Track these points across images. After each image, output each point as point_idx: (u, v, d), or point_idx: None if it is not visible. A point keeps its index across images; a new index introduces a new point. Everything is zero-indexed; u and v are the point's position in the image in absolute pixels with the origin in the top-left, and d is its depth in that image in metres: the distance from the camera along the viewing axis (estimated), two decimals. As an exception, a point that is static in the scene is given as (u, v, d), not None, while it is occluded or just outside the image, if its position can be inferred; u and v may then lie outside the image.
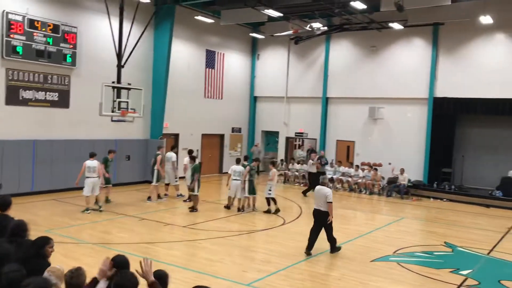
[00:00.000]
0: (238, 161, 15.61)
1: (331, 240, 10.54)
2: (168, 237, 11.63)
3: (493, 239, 12.79)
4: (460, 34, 20.17)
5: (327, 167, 21.52)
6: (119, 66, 16.28)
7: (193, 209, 14.55)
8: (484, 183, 20.17)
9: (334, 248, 10.57)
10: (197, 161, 15.74)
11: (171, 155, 16.76)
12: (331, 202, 10.34)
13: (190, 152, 16.56)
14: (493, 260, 10.83)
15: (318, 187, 10.76)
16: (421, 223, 15.49)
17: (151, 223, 12.92)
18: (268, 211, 15.01)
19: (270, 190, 15.15)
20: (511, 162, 19.31)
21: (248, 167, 15.21)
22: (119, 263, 4.51)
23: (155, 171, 15.87)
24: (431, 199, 19.44)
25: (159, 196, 16.20)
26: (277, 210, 15.09)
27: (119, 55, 16.35)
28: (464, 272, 9.55)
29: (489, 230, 14.00)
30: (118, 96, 15.41)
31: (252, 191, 15.25)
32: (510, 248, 11.78)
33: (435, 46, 20.81)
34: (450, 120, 20.98)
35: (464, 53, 20.26)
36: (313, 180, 18.84)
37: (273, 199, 15.21)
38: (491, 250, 11.56)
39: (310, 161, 21.86)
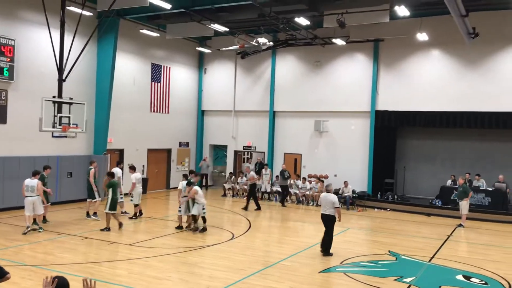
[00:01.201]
0: (186, 177, 15.31)
1: (329, 243, 11.79)
2: (113, 256, 11.27)
3: (434, 246, 13.30)
4: (399, 50, 21.09)
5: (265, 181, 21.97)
6: (60, 80, 15.74)
7: (104, 228, 13.76)
8: (424, 192, 21.04)
9: (328, 252, 11.70)
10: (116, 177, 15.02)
11: (117, 170, 16.32)
12: (339, 207, 11.78)
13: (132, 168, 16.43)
14: (434, 266, 11.25)
15: (324, 194, 12.13)
16: (366, 233, 15.88)
17: (95, 241, 12.48)
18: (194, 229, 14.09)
19: (204, 208, 14.08)
20: (449, 172, 20.28)
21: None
22: (59, 285, 4.30)
23: (93, 187, 15.52)
24: (376, 209, 20.02)
25: (93, 214, 15.66)
26: (198, 229, 14.00)
27: (60, 69, 15.82)
28: (408, 280, 9.85)
29: (430, 238, 14.56)
30: (59, 111, 14.89)
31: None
32: (449, 255, 12.29)
33: (376, 61, 21.62)
34: (391, 132, 21.83)
35: (403, 68, 21.17)
36: (249, 192, 19.18)
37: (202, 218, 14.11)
38: (432, 257, 12.01)
39: (263, 172, 22.13)
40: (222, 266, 10.51)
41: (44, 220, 14.26)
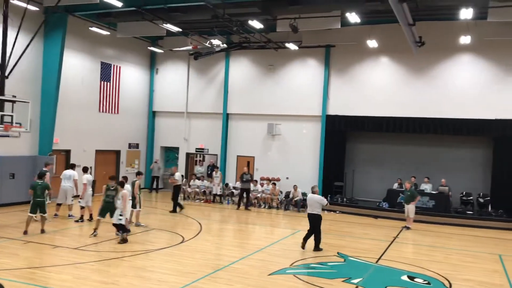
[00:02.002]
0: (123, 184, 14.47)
1: (318, 240, 12.81)
2: (58, 260, 10.82)
3: (381, 248, 13.66)
4: (349, 56, 21.59)
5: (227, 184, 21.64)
6: (3, 77, 15.07)
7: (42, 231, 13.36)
8: (372, 195, 21.60)
9: (318, 248, 12.75)
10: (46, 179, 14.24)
11: (72, 173, 15.77)
12: (328, 203, 13.34)
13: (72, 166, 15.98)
14: (381, 268, 11.54)
15: (310, 195, 13.27)
16: (316, 235, 16.06)
17: (38, 246, 11.96)
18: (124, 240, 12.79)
19: (120, 215, 12.74)
20: (395, 175, 20.93)
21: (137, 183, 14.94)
22: None
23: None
24: (325, 211, 20.31)
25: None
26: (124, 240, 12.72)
27: (3, 65, 15.13)
28: (355, 281, 10.04)
29: (377, 240, 14.95)
30: (1, 109, 14.23)
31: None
32: (395, 256, 12.66)
33: (327, 67, 22.03)
34: (341, 136, 22.29)
35: (353, 74, 21.69)
36: (173, 194, 18.51)
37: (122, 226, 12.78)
38: (379, 259, 12.32)
39: (214, 175, 21.95)
40: (171, 269, 10.33)
41: None
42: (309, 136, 22.59)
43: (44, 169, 15.34)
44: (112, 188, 13.19)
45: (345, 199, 20.97)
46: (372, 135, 22.26)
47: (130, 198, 14.29)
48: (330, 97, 22.02)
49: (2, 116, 14.16)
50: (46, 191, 13.43)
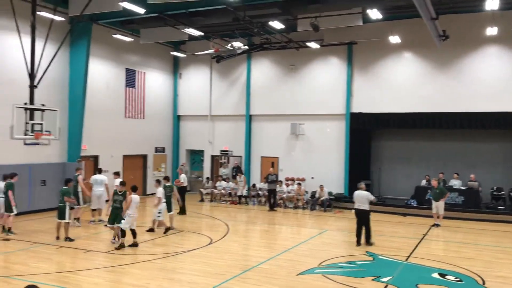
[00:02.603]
0: (159, 182, 15.17)
1: (369, 234, 13.42)
2: (90, 264, 11.06)
3: (410, 245, 13.50)
4: (372, 52, 21.39)
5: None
6: (32, 86, 15.45)
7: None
8: (400, 193, 21.34)
9: (370, 242, 13.34)
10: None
11: (103, 177, 16.08)
12: (374, 199, 13.77)
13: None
14: (411, 265, 11.41)
15: (357, 191, 13.76)
16: (344, 234, 16.00)
17: (70, 250, 12.24)
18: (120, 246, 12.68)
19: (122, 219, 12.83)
20: (423, 172, 20.63)
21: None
22: None
23: (79, 193, 15.29)
24: (353, 210, 20.11)
25: (78, 220, 15.43)
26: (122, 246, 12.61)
27: (32, 75, 15.53)
28: (385, 279, 9.96)
29: (406, 237, 14.78)
30: (31, 118, 14.61)
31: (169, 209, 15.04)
32: (425, 253, 12.50)
33: (350, 64, 21.88)
34: (366, 134, 22.09)
35: (376, 71, 21.48)
36: (180, 195, 17.66)
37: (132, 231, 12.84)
38: (408, 256, 12.18)
39: (238, 179, 22.10)
40: (201, 271, 10.44)
41: (3, 229, 13.80)
42: (333, 134, 22.47)
43: (75, 174, 15.68)
44: (119, 193, 13.14)
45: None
46: (398, 131, 22.00)
47: (164, 200, 14.67)
48: (353, 95, 21.86)
49: (33, 124, 14.52)
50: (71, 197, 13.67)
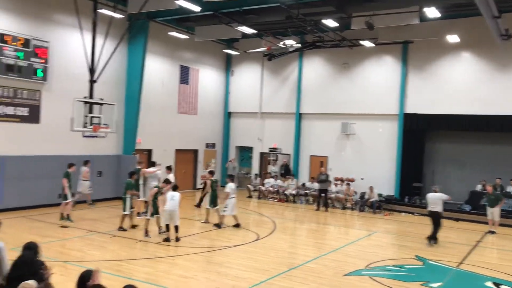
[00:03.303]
0: (231, 178, 15.85)
1: (436, 232, 13.88)
2: (141, 254, 11.48)
3: (462, 252, 13.07)
4: (428, 52, 20.79)
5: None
6: (92, 81, 16.16)
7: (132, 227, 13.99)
8: (453, 197, 20.47)
9: (434, 238, 13.80)
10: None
11: (157, 171, 16.55)
12: (448, 197, 14.11)
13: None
14: (462, 272, 11.06)
15: (431, 194, 14.17)
16: (393, 237, 15.71)
17: (123, 239, 12.73)
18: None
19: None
20: (478, 176, 19.84)
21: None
22: (86, 279, 4.54)
23: (141, 186, 15.69)
24: (403, 213, 19.77)
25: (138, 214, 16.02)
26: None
27: (92, 70, 16.24)
28: (434, 285, 9.72)
29: (458, 243, 14.31)
30: (90, 111, 15.28)
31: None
32: (478, 261, 12.05)
33: (404, 64, 21.37)
34: (420, 135, 21.50)
35: (432, 71, 20.86)
36: (202, 188, 18.34)
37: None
38: (460, 263, 11.80)
39: (289, 182, 22.10)
40: (247, 266, 10.58)
41: (63, 217, 14.61)
42: (385, 135, 22.04)
43: (138, 167, 16.22)
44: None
45: (423, 201, 20.21)
46: (453, 134, 21.27)
47: (233, 196, 15.12)
48: (407, 95, 21.34)
49: (91, 118, 15.20)
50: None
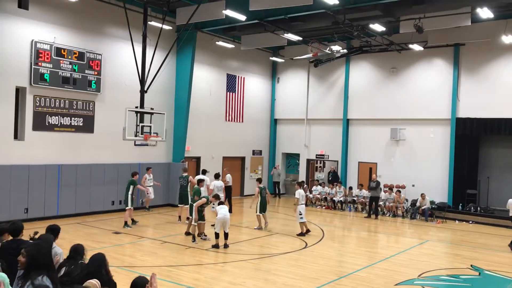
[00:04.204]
0: (301, 184, 16.02)
1: None
2: (191, 260, 11.66)
3: (522, 262, 12.46)
4: (481, 54, 20.05)
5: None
6: (142, 91, 16.61)
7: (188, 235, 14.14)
8: (511, 204, 19.66)
9: None
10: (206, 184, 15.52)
11: (206, 179, 16.72)
12: None
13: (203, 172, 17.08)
14: (522, 284, 10.53)
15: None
16: (446, 246, 15.18)
17: (173, 246, 12.98)
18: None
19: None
20: (538, 183, 18.87)
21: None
22: (138, 285, 4.66)
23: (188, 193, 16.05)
24: (456, 221, 19.08)
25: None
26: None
27: (142, 81, 16.70)
28: (492, 297, 9.31)
29: (518, 253, 13.64)
30: (141, 120, 15.70)
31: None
32: (540, 272, 11.44)
33: (456, 67, 20.70)
34: (473, 140, 20.69)
35: (486, 73, 20.08)
36: (226, 194, 17.85)
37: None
38: (520, 274, 11.25)
39: (337, 189, 21.84)
40: (296, 274, 10.52)
41: (134, 222, 15.27)
42: (436, 140, 21.37)
43: (184, 174, 16.65)
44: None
45: (479, 208, 19.44)
46: (510, 138, 20.34)
47: (303, 203, 15.31)
48: (460, 99, 20.64)
49: (142, 127, 15.64)
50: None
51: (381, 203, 20.42)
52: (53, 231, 6.59)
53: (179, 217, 16.54)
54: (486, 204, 19.99)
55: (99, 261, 5.34)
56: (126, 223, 15.21)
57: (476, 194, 20.24)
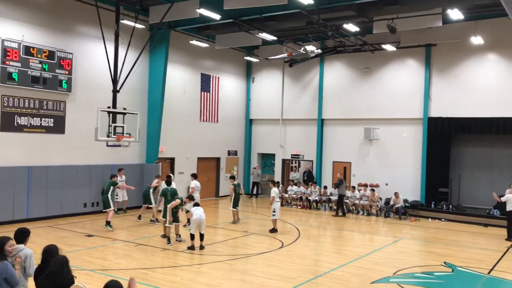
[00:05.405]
0: (275, 184, 16.49)
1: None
2: (166, 262, 11.48)
3: (493, 258, 12.71)
4: (452, 54, 20.43)
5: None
6: (115, 91, 16.33)
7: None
8: (481, 202, 20.15)
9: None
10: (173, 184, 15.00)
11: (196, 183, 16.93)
12: None
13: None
14: (494, 279, 10.74)
15: (509, 195, 15.64)
16: (420, 243, 15.39)
17: (147, 248, 12.77)
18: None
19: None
20: (507, 181, 19.30)
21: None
22: None
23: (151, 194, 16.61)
24: (429, 219, 19.39)
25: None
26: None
27: (115, 80, 16.42)
28: (466, 293, 9.45)
29: (489, 249, 13.92)
30: (114, 121, 15.43)
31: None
32: (510, 267, 11.69)
33: (428, 67, 21.04)
34: (445, 139, 21.09)
35: (457, 73, 20.48)
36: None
37: None
38: (491, 270, 11.47)
39: (312, 189, 21.96)
40: (273, 274, 10.47)
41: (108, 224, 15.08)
42: (409, 140, 21.68)
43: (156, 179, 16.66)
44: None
45: (450, 206, 19.81)
46: (480, 137, 20.80)
47: (278, 200, 15.78)
48: (432, 99, 20.99)
49: (115, 127, 15.36)
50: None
51: (356, 201, 20.61)
52: (23, 234, 6.37)
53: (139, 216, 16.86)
54: (458, 202, 20.42)
55: (62, 262, 5.36)
56: (108, 223, 14.91)
57: (448, 192, 20.63)
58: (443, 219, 19.15)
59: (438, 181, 20.73)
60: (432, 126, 20.86)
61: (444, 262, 12.06)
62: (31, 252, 6.24)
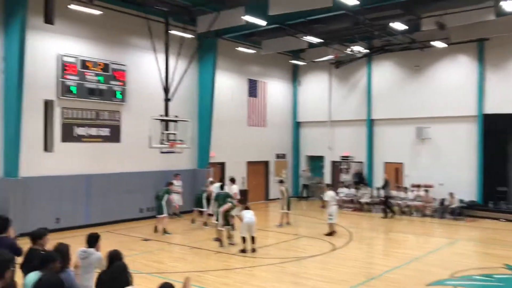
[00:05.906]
0: (330, 187, 16.92)
1: None
2: (219, 265, 11.73)
3: (558, 260, 12.13)
4: (507, 48, 19.64)
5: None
6: (166, 100, 16.85)
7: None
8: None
9: None
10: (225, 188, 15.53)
11: (233, 187, 16.93)
12: None
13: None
14: (559, 282, 10.25)
15: None
16: (477, 244, 14.89)
17: (201, 251, 13.08)
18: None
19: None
20: None
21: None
22: None
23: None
24: (487, 219, 18.68)
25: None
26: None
27: (166, 89, 16.95)
28: (528, 296, 9.09)
29: (553, 251, 13.28)
30: (166, 128, 15.92)
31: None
32: None
33: (481, 62, 20.33)
34: (503, 136, 20.23)
35: (512, 67, 19.65)
36: None
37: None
38: (556, 272, 10.96)
39: (363, 191, 21.70)
40: (325, 277, 10.48)
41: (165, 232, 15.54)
42: (464, 138, 20.98)
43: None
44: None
45: (510, 206, 19.00)
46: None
47: (334, 203, 15.63)
48: (486, 95, 20.23)
49: (168, 134, 15.87)
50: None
51: (410, 203, 20.18)
52: (93, 239, 7.05)
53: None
54: (517, 202, 19.54)
55: (122, 267, 5.89)
56: (165, 230, 15.44)
57: (506, 191, 19.77)
58: (502, 219, 18.41)
59: (496, 179, 19.92)
60: (488, 123, 20.11)
61: (505, 264, 11.61)
62: (101, 256, 6.75)
